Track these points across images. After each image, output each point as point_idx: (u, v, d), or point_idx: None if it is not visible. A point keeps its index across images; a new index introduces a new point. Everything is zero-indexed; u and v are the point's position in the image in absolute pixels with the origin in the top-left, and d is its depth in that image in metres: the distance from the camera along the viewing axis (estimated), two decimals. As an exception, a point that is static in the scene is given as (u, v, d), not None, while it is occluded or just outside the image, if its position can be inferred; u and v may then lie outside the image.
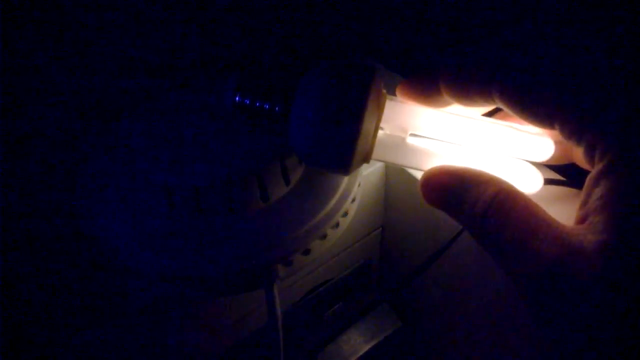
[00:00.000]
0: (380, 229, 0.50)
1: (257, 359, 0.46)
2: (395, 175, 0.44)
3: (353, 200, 0.39)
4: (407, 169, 0.42)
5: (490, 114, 0.36)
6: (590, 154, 0.28)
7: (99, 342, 0.39)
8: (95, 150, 0.39)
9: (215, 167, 0.35)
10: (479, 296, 0.43)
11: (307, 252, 0.36)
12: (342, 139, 0.33)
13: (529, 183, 0.36)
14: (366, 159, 0.35)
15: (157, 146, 0.36)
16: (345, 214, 0.38)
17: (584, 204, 0.28)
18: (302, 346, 0.50)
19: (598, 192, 0.27)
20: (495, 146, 0.35)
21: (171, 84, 0.41)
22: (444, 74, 0.32)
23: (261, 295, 0.35)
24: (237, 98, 0.35)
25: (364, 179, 0.41)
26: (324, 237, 0.36)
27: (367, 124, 0.33)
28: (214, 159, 0.35)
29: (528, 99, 0.29)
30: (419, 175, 0.40)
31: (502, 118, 0.36)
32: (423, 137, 0.35)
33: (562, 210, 0.32)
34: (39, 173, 0.42)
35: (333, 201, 0.37)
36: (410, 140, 0.35)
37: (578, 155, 0.33)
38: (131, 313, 0.37)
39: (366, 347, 0.52)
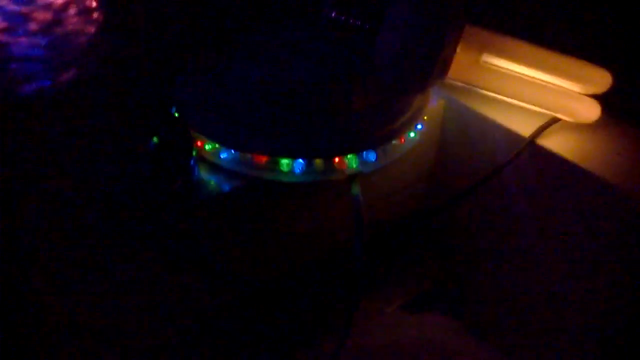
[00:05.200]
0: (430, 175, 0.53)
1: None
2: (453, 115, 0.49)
3: (425, 118, 0.43)
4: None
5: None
6: None
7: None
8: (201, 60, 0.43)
9: (312, 70, 0.39)
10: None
11: (386, 150, 0.40)
12: (425, 51, 0.38)
13: (589, 112, 0.41)
14: (443, 73, 0.40)
15: (264, 55, 0.41)
16: (419, 127, 0.42)
17: None
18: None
19: None
20: (561, 76, 0.40)
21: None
22: None
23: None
24: (332, 14, 0.40)
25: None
26: (402, 141, 0.41)
27: (448, 44, 0.38)
28: (312, 65, 0.40)
29: None
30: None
31: None
32: (497, 60, 0.40)
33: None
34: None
35: (409, 114, 0.41)
36: (484, 60, 0.40)
37: None
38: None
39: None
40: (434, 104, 0.47)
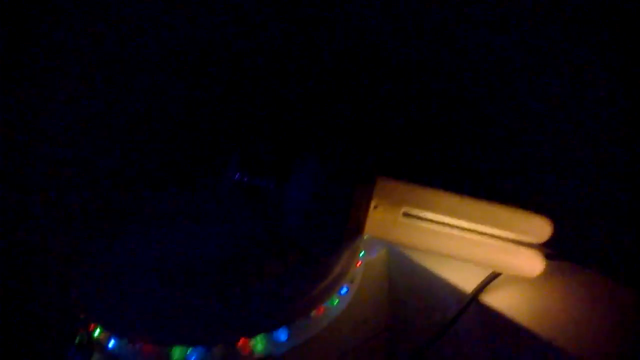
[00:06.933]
0: (386, 332, 0.47)
1: None
2: (399, 269, 0.44)
3: (352, 281, 0.38)
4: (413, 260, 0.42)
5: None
6: None
7: None
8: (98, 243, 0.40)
9: (205, 241, 0.36)
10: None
11: (301, 326, 0.35)
12: (333, 208, 0.34)
13: (530, 267, 0.35)
14: (358, 231, 0.35)
15: (156, 227, 0.37)
16: (344, 291, 0.37)
17: None
18: None
19: None
20: (495, 226, 0.35)
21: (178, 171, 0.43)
22: None
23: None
24: (236, 176, 0.37)
25: (366, 267, 0.41)
26: (321, 312, 0.35)
27: (358, 201, 0.34)
28: (215, 241, 0.36)
29: None
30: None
31: None
32: (417, 215, 0.36)
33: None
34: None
35: (328, 279, 0.36)
36: (404, 218, 0.36)
37: None
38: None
39: None
40: (373, 255, 0.43)
